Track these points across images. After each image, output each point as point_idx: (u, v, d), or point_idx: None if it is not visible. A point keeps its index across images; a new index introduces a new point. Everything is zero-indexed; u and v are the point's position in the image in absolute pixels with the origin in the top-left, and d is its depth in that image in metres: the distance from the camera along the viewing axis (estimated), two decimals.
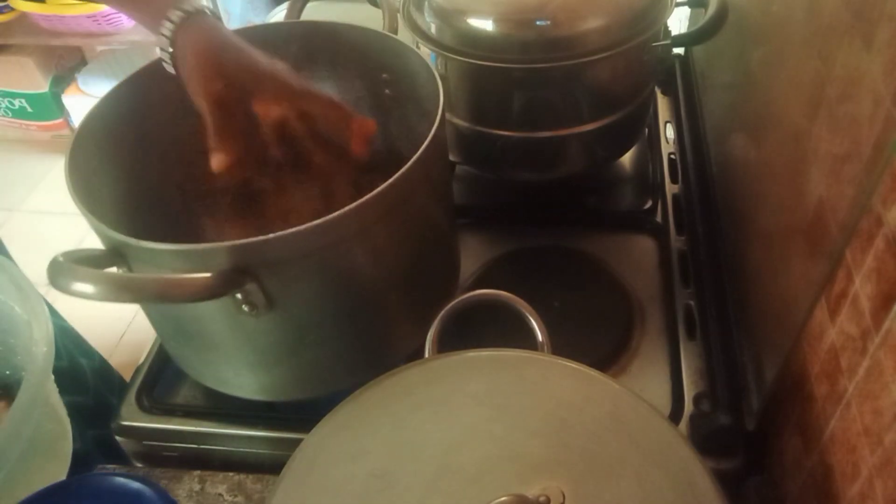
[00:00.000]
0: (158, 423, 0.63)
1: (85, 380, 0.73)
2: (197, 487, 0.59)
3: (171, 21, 0.53)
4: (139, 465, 0.65)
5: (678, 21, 1.03)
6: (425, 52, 0.71)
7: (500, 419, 0.42)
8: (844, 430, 0.42)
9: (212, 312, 0.51)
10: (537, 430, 0.41)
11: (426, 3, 0.72)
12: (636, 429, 0.41)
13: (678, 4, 0.75)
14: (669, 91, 0.94)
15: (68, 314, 0.79)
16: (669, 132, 0.88)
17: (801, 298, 0.49)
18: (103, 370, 0.78)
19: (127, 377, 0.67)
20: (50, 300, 0.68)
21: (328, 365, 0.57)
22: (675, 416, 0.59)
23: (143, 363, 0.67)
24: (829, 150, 0.46)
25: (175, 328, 0.58)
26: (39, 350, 0.52)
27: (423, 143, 0.51)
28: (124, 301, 0.46)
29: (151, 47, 1.90)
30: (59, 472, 0.58)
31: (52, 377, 0.58)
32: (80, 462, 0.62)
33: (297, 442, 0.42)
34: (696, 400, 0.60)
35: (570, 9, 0.67)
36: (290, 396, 0.59)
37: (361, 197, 0.47)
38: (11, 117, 2.17)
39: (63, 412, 0.62)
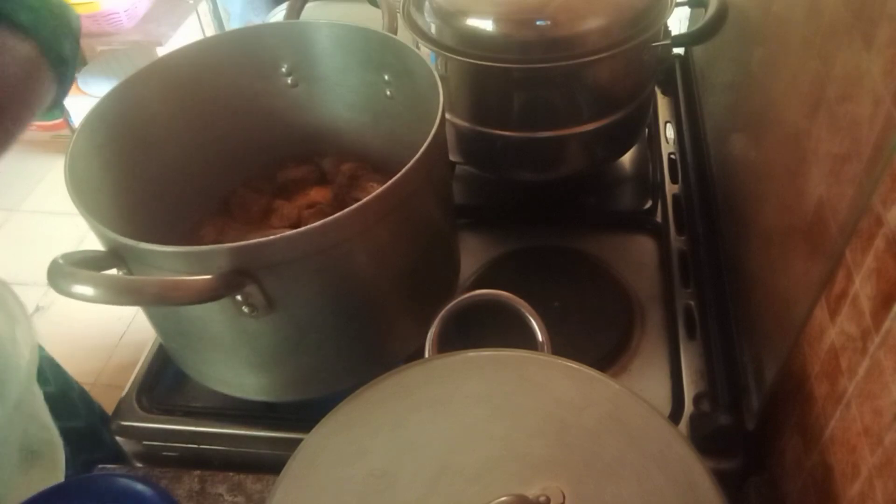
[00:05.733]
0: (158, 423, 0.63)
1: (74, 405, 0.72)
2: (197, 487, 0.59)
3: None
4: (139, 465, 0.65)
5: (678, 21, 1.03)
6: (425, 52, 0.71)
7: (500, 419, 0.42)
8: (844, 430, 0.42)
9: (212, 314, 0.51)
10: (537, 430, 0.41)
11: (426, 3, 0.72)
12: (636, 429, 0.41)
13: (678, 4, 0.75)
14: (669, 91, 0.94)
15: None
16: (669, 132, 0.88)
17: (801, 298, 0.49)
18: (85, 398, 0.77)
19: (127, 377, 0.67)
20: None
21: (328, 365, 0.57)
22: (675, 416, 0.59)
23: (143, 363, 0.67)
24: (829, 150, 0.46)
25: (175, 329, 0.58)
26: (22, 355, 0.52)
27: (423, 143, 0.51)
28: (124, 304, 0.46)
29: (152, 47, 1.91)
30: (55, 479, 0.58)
31: (37, 385, 0.58)
32: (97, 447, 0.62)
33: (297, 442, 0.42)
34: (696, 400, 0.60)
35: (570, 9, 0.67)
36: (291, 397, 0.59)
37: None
38: None
39: (50, 421, 0.61)
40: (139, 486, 0.47)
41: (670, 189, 0.80)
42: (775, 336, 0.56)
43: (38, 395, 0.60)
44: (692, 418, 0.58)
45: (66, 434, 0.65)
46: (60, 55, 0.53)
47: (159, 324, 0.59)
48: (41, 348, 0.73)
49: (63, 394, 0.70)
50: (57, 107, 0.55)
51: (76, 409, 0.71)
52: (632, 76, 0.74)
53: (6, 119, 0.50)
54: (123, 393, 0.65)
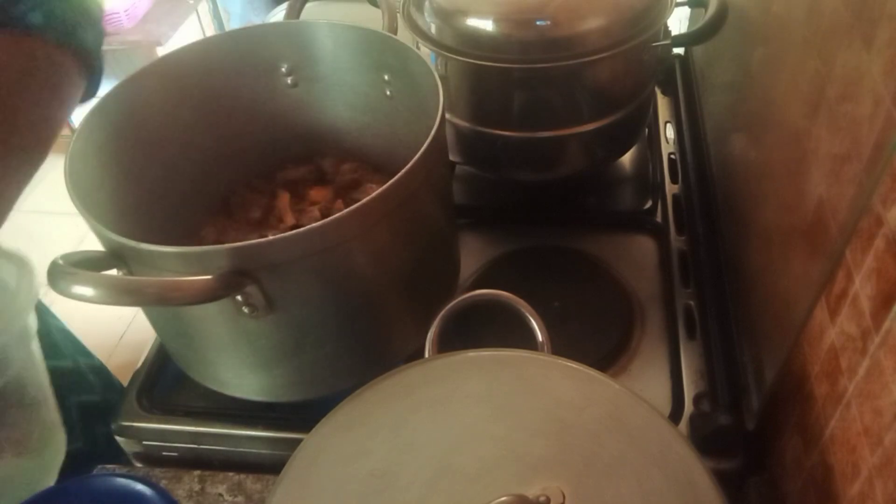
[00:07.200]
0: (158, 423, 0.63)
1: (88, 380, 0.73)
2: (197, 487, 0.59)
3: None
4: (139, 465, 0.65)
5: (678, 21, 1.03)
6: (425, 52, 0.71)
7: (500, 419, 0.42)
8: (844, 430, 0.43)
9: (212, 314, 0.51)
10: (537, 430, 0.41)
11: (426, 3, 0.72)
12: (636, 429, 0.41)
13: (678, 4, 0.75)
14: (669, 91, 0.94)
15: (68, 314, 0.79)
16: (669, 132, 0.88)
17: (801, 298, 0.49)
18: (103, 371, 0.78)
19: (127, 377, 0.67)
20: (49, 302, 0.68)
21: (328, 365, 0.57)
22: (675, 416, 0.59)
23: (143, 363, 0.67)
24: (829, 150, 0.46)
25: (175, 329, 0.58)
26: (17, 296, 0.52)
27: (423, 143, 0.51)
28: (124, 304, 0.46)
29: (152, 47, 1.91)
30: (49, 472, 0.58)
31: (45, 370, 0.58)
32: (81, 462, 0.62)
33: (297, 442, 0.42)
34: (696, 400, 0.60)
35: (570, 9, 0.67)
36: (291, 397, 0.59)
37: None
38: None
39: (55, 410, 0.61)
40: (139, 486, 0.47)
41: (670, 189, 0.80)
42: (775, 336, 0.56)
43: (42, 372, 0.60)
44: (692, 418, 0.58)
45: (80, 407, 0.66)
46: (82, 47, 0.53)
47: (159, 324, 0.59)
48: (58, 320, 0.74)
49: (76, 368, 0.71)
50: (91, 95, 0.57)
51: (89, 384, 0.72)
52: (632, 76, 0.74)
53: (36, 124, 0.51)
54: (123, 393, 0.65)
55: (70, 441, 0.62)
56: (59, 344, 0.70)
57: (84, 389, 0.71)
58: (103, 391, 0.75)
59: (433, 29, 0.71)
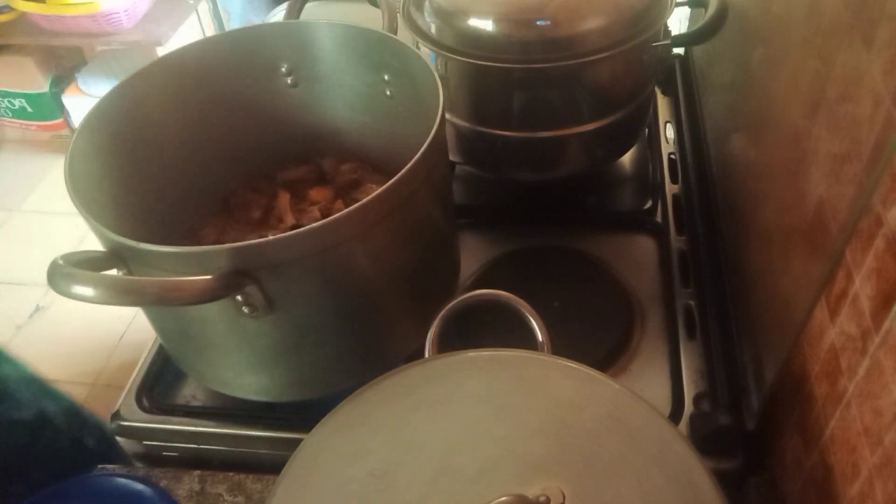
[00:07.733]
0: (158, 423, 0.63)
1: (57, 424, 0.71)
2: (197, 487, 0.59)
3: None
4: (139, 465, 0.65)
5: (678, 21, 1.03)
6: (425, 52, 0.71)
7: (500, 419, 0.42)
8: (844, 430, 0.43)
9: (212, 314, 0.51)
10: (537, 430, 0.41)
11: (426, 3, 0.72)
12: (636, 429, 0.41)
13: (678, 4, 0.75)
14: (669, 91, 0.94)
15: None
16: (669, 132, 0.88)
17: (801, 298, 0.49)
18: (74, 411, 0.76)
19: (127, 377, 0.67)
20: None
21: (328, 365, 0.57)
22: (675, 416, 0.59)
23: (143, 363, 0.67)
24: (829, 150, 0.46)
25: (175, 329, 0.58)
26: None
27: (423, 143, 0.51)
28: (124, 304, 0.46)
29: (152, 47, 1.91)
30: None
31: None
32: (81, 463, 0.62)
33: (297, 442, 0.42)
34: (696, 400, 0.60)
35: (570, 9, 0.67)
36: (291, 397, 0.59)
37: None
38: (11, 117, 2.17)
39: None
40: (139, 486, 0.47)
41: (670, 189, 0.80)
42: (775, 336, 0.56)
43: None
44: (692, 418, 0.58)
45: (49, 453, 0.65)
46: None
47: (159, 324, 0.59)
48: (20, 368, 0.72)
49: (40, 415, 0.70)
50: None
51: (57, 429, 0.71)
52: (632, 76, 0.74)
53: None
54: (123, 393, 0.65)
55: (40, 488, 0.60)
56: (15, 394, 0.68)
57: (52, 435, 0.69)
58: (78, 432, 0.73)
59: (433, 29, 0.71)
